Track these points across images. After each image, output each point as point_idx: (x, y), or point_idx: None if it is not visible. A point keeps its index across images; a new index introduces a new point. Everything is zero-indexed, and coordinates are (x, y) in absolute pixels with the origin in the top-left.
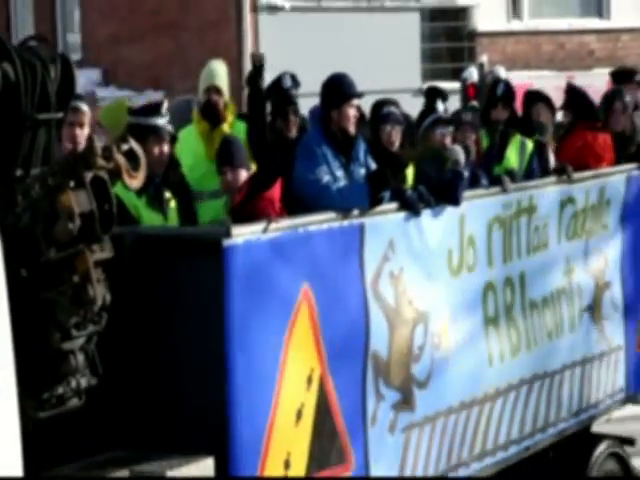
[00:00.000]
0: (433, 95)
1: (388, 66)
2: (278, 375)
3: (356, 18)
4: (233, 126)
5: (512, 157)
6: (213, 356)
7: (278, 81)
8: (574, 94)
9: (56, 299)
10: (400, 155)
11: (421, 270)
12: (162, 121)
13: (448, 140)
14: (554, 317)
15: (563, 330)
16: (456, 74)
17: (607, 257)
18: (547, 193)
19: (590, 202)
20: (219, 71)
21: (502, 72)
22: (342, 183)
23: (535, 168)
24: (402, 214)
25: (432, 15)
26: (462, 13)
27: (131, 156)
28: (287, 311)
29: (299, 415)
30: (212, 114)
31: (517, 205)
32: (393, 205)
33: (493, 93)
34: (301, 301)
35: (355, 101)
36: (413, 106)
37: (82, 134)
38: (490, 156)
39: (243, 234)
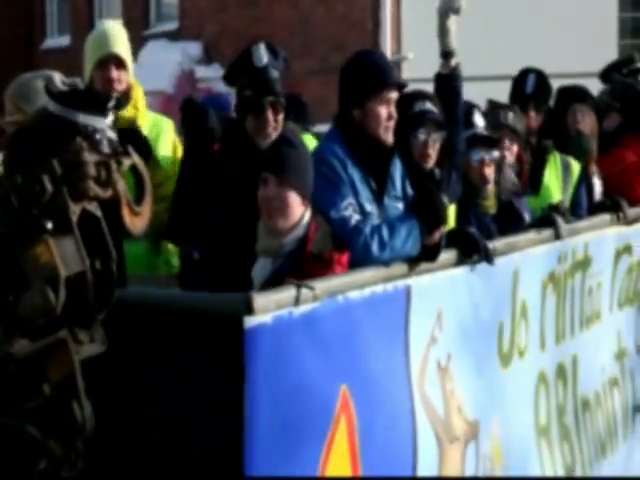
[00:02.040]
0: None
1: (574, 42)
2: None
3: None
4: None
5: (552, 185)
6: None
7: (247, 56)
8: (625, 89)
9: (17, 426)
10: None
11: (469, 357)
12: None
13: (489, 171)
14: (607, 420)
15: (617, 439)
16: None
17: None
18: (603, 239)
19: None
20: (116, 33)
21: None
22: (376, 223)
23: (583, 201)
24: (453, 270)
25: None
26: None
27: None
28: (322, 429)
29: None
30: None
31: (572, 256)
32: (449, 255)
33: (520, 90)
34: (340, 412)
35: (392, 93)
36: None
37: None
38: None
39: (269, 308)
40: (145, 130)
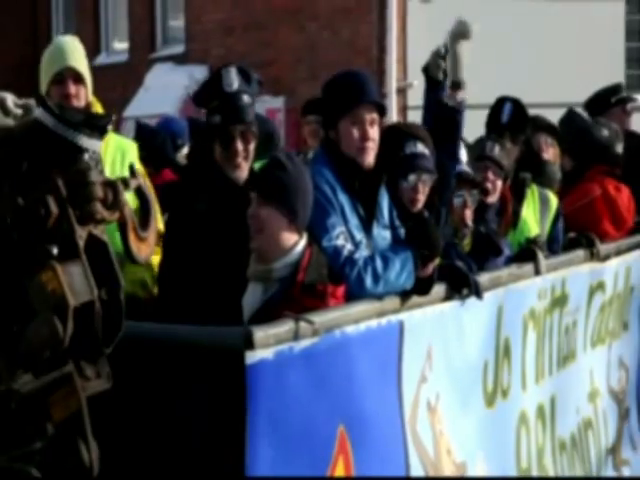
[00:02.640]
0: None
1: (579, 71)
2: None
3: (539, 8)
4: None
5: (530, 219)
6: None
7: (217, 80)
8: (573, 125)
9: (20, 469)
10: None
11: (456, 397)
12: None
13: (469, 213)
14: (583, 464)
15: None
16: None
17: (628, 372)
18: (578, 275)
19: (617, 289)
20: (74, 48)
21: None
22: (368, 254)
23: (560, 236)
24: (442, 305)
25: None
26: None
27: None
28: (321, 471)
29: None
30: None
31: (551, 293)
32: (439, 289)
33: (495, 119)
34: (337, 454)
35: (367, 113)
36: None
37: None
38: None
39: (268, 343)
40: (109, 153)
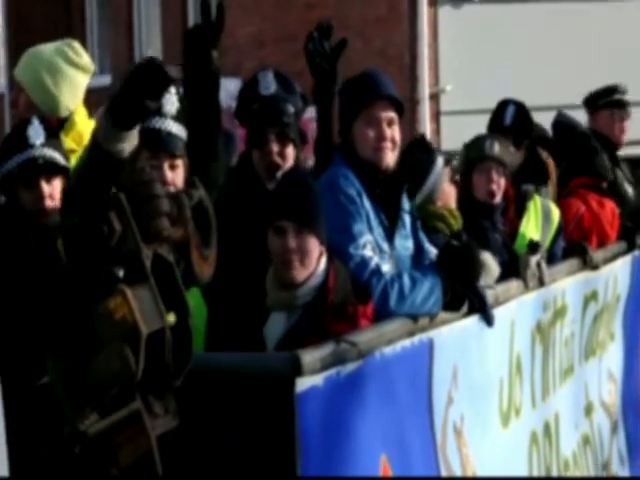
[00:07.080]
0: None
1: (617, 73)
2: None
3: (575, 10)
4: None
5: (529, 231)
6: None
7: (252, 84)
8: (565, 132)
9: None
10: None
11: (477, 418)
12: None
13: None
14: None
15: None
16: None
17: (616, 384)
18: (576, 285)
19: (607, 299)
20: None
21: None
22: (388, 267)
23: (559, 252)
24: (466, 321)
25: None
26: None
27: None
28: None
29: None
30: None
31: (554, 304)
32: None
33: (498, 122)
34: None
35: (381, 112)
36: None
37: None
38: None
39: (316, 368)
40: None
